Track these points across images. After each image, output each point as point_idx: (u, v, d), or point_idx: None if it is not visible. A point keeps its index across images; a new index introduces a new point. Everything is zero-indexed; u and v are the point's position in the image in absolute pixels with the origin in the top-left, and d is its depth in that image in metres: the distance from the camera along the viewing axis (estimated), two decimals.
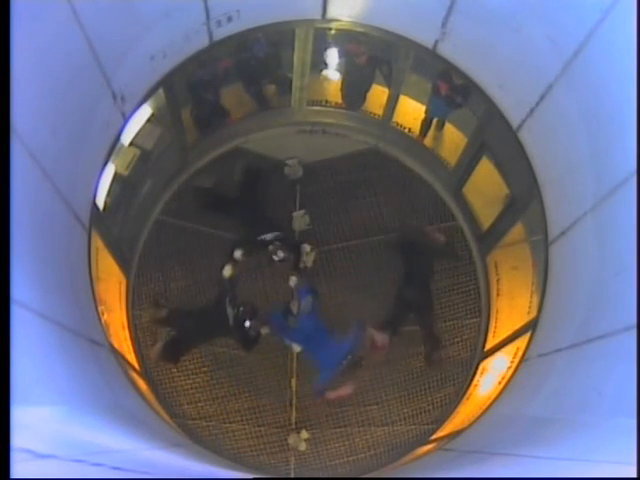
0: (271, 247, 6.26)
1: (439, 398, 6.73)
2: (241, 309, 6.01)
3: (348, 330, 6.07)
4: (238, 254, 6.30)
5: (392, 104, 6.70)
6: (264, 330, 6.31)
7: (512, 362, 5.37)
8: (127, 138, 5.41)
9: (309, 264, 6.87)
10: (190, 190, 6.75)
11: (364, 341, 6.07)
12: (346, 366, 5.88)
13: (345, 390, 6.14)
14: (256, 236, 6.35)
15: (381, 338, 6.13)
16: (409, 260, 6.54)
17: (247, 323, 6.05)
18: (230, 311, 5.97)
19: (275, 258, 6.29)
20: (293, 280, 6.45)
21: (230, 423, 6.57)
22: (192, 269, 6.77)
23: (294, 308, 6.30)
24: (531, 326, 5.13)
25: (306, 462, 6.59)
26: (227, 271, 6.24)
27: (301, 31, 5.68)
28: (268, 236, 6.26)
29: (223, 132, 6.89)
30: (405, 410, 6.73)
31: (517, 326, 5.62)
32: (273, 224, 6.43)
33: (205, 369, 6.60)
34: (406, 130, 6.98)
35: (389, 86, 6.60)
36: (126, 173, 5.82)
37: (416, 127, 6.94)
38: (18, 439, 2.04)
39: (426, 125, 6.89)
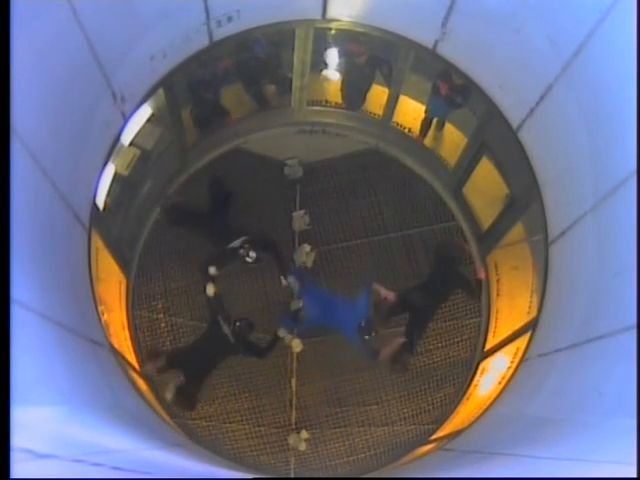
0: (241, 251, 6.07)
1: (439, 398, 6.73)
2: (237, 324, 5.91)
3: (356, 293, 6.06)
4: (213, 270, 6.12)
5: (392, 104, 6.70)
6: (281, 333, 6.26)
7: (512, 362, 5.37)
8: (127, 138, 5.42)
9: (309, 264, 6.87)
10: (162, 207, 6.56)
11: (373, 296, 6.00)
12: (365, 328, 5.78)
13: (394, 344, 6.03)
14: (225, 247, 6.16)
15: (385, 292, 6.06)
16: (439, 271, 6.40)
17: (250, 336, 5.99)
18: (227, 329, 5.86)
19: (249, 260, 6.08)
20: (283, 280, 6.40)
21: (230, 423, 6.57)
22: (192, 269, 6.77)
23: (295, 304, 6.26)
24: (531, 326, 5.13)
25: (306, 462, 6.59)
26: (210, 290, 6.06)
27: (301, 31, 5.68)
28: (236, 243, 6.06)
29: (223, 132, 6.89)
30: (405, 410, 6.74)
31: (517, 326, 5.62)
32: (240, 231, 6.20)
33: None
34: (406, 130, 6.99)
35: (389, 86, 6.61)
36: (126, 173, 5.82)
37: (416, 127, 6.95)
38: (18, 439, 2.04)
39: (426, 125, 6.89)
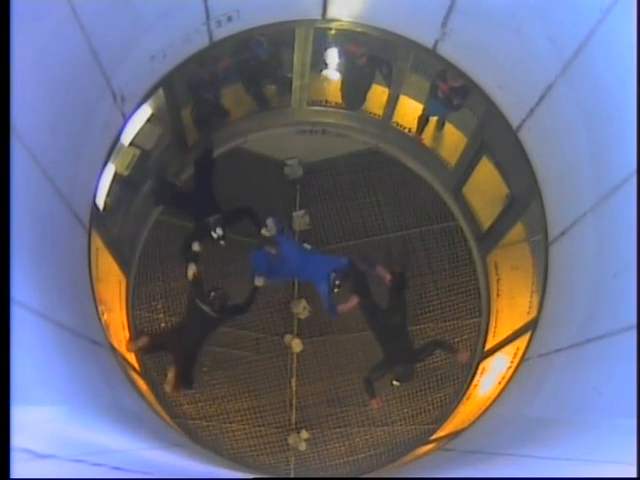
0: (210, 226, 6.01)
1: (439, 398, 6.74)
2: (212, 295, 5.85)
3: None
4: (196, 246, 6.09)
5: (392, 104, 6.70)
6: (258, 282, 6.17)
7: (512, 362, 5.37)
8: (127, 138, 5.42)
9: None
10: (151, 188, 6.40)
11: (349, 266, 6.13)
12: (335, 279, 5.94)
13: (352, 302, 6.02)
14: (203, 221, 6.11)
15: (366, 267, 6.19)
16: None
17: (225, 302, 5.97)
18: (205, 307, 5.83)
19: (214, 236, 6.03)
20: (264, 231, 6.39)
21: (230, 423, 6.58)
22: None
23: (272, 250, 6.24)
24: (531, 326, 5.13)
25: (306, 462, 6.60)
26: (191, 270, 6.01)
27: (301, 31, 5.68)
28: (210, 218, 6.04)
29: (223, 132, 6.89)
30: (405, 410, 6.74)
31: (517, 326, 5.62)
32: (219, 207, 6.15)
33: (205, 369, 6.61)
34: (406, 130, 6.99)
35: (389, 86, 6.61)
36: (126, 173, 5.82)
37: (416, 127, 6.94)
38: (18, 439, 2.04)
39: (422, 123, 6.89)
